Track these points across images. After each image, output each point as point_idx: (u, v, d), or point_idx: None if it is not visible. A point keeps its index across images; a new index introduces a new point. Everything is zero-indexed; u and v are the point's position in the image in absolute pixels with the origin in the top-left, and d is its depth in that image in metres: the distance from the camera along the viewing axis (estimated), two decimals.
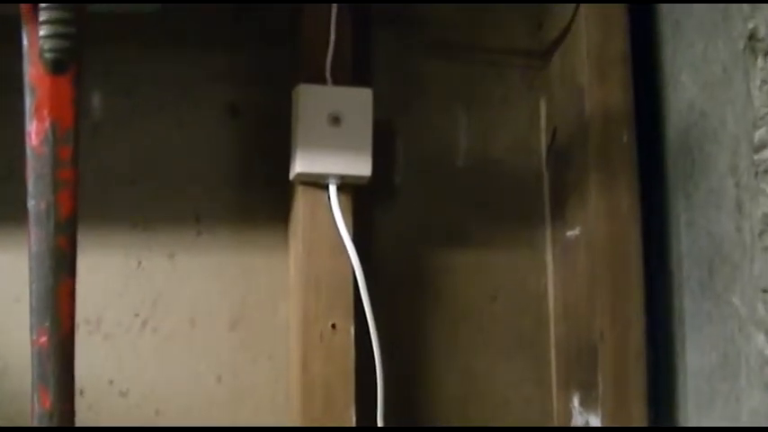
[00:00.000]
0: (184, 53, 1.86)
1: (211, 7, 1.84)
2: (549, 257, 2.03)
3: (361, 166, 1.80)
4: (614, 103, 1.90)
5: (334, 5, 1.80)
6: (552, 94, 2.06)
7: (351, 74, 1.84)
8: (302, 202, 1.80)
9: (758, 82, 1.64)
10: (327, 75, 1.84)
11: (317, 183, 1.79)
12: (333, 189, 1.79)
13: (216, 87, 1.91)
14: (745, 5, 1.64)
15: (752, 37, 1.65)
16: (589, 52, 1.94)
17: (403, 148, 2.02)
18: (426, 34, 2.04)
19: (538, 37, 2.11)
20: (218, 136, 1.91)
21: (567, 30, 1.98)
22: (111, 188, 1.83)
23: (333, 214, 1.79)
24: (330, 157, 1.76)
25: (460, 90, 2.07)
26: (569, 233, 1.97)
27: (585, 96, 1.91)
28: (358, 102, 1.84)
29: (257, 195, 1.89)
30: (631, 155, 1.91)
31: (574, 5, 1.91)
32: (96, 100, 1.82)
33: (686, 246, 1.83)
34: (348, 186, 1.80)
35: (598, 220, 1.89)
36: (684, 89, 1.86)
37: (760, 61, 1.64)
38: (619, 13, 1.94)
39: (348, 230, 1.75)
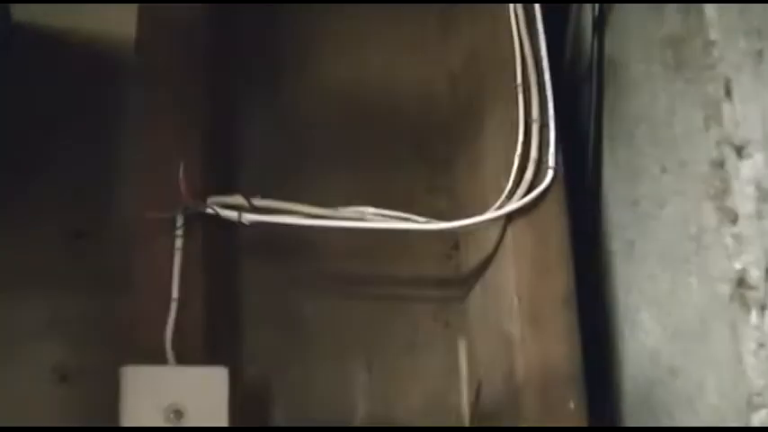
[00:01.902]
0: None
1: None
2: None
3: None
4: (555, 357, 1.64)
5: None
6: (473, 338, 1.84)
7: (202, 342, 1.59)
8: None
9: (752, 345, 1.38)
10: (168, 349, 1.55)
11: None
12: None
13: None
14: (729, 240, 1.37)
15: (741, 283, 1.37)
16: (519, 290, 1.69)
17: (283, 417, 1.76)
18: (312, 263, 1.84)
19: (453, 261, 1.91)
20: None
21: (490, 256, 1.76)
22: None
23: None
24: None
25: (358, 335, 1.84)
26: None
27: (516, 349, 1.66)
28: (210, 386, 1.51)
29: None
30: (581, 423, 1.59)
31: (502, 222, 1.70)
32: None
33: None
34: None
35: None
36: (645, 332, 1.60)
37: (754, 317, 1.38)
38: (557, 237, 1.71)
39: None
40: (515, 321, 1.66)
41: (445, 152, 1.96)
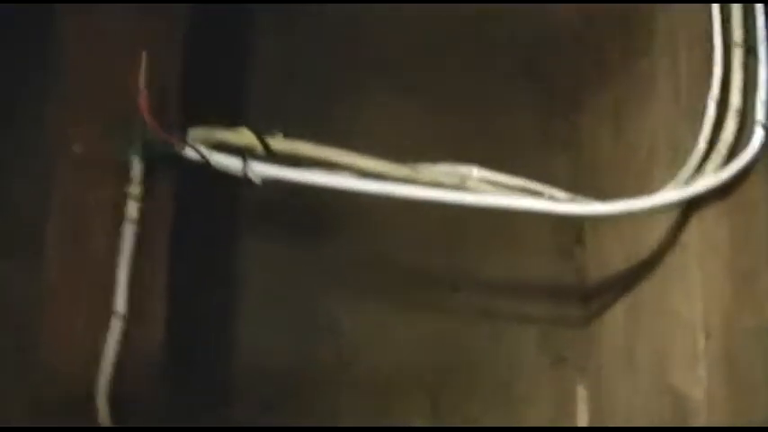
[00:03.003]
0: None
1: None
2: None
3: None
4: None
5: None
6: (604, 386, 1.54)
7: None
8: None
9: None
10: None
11: None
12: None
13: None
14: None
15: None
16: (707, 321, 1.32)
17: None
18: (355, 251, 1.50)
19: (574, 262, 1.57)
20: None
21: (650, 261, 1.42)
22: None
23: None
24: None
25: (419, 365, 1.49)
26: None
27: (695, 413, 1.31)
28: None
29: None
30: None
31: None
32: None
33: None
34: None
35: None
36: None
37: None
38: None
39: None
40: (697, 371, 1.34)
41: (570, 81, 1.60)
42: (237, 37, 1.60)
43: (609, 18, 1.62)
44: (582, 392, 1.57)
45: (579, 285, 1.63)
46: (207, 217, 1.38)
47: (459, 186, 1.26)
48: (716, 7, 1.37)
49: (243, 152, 1.21)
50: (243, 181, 1.24)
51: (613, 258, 1.57)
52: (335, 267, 1.54)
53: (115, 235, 1.23)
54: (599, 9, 1.62)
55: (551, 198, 1.29)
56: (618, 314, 1.57)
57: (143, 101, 1.15)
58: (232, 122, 1.34)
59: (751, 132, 1.36)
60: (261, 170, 1.21)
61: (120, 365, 1.21)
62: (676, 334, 1.39)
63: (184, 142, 1.19)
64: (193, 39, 1.37)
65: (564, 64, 1.67)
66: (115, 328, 1.19)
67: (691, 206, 1.35)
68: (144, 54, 1.17)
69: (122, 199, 1.21)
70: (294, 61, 1.60)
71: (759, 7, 1.39)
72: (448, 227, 1.57)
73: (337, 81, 1.59)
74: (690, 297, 1.36)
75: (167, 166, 1.22)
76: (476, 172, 1.26)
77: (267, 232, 1.51)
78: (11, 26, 1.51)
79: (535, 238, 1.61)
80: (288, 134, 1.31)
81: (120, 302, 1.18)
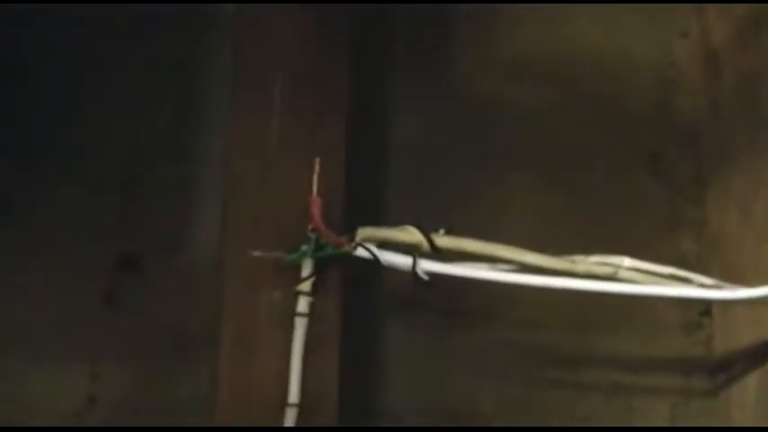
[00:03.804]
0: None
1: None
2: None
3: None
4: None
5: None
6: None
7: None
8: None
9: None
10: None
11: None
12: None
13: None
14: None
15: None
16: None
17: None
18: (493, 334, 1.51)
19: (703, 333, 1.58)
20: None
21: None
22: None
23: None
24: None
25: None
26: None
27: None
28: None
29: None
30: None
31: None
32: None
33: None
34: None
35: None
36: None
37: None
38: None
39: None
40: None
41: (694, 167, 1.61)
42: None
43: (733, 104, 1.60)
44: None
45: (707, 357, 1.59)
46: (366, 310, 1.40)
47: (613, 277, 1.25)
48: None
49: (413, 251, 1.20)
50: (412, 278, 1.21)
51: (743, 332, 1.51)
52: (479, 352, 1.52)
53: (288, 328, 1.22)
54: (725, 97, 1.60)
55: (701, 285, 1.27)
56: (751, 385, 1.50)
57: (315, 207, 1.17)
58: (376, 222, 1.31)
59: None
60: (428, 267, 1.20)
61: None
62: None
63: (356, 243, 1.19)
64: (349, 147, 1.36)
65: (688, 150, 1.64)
66: (290, 419, 1.20)
67: None
68: (317, 162, 1.19)
69: (294, 299, 1.21)
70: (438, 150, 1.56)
71: None
72: (579, 311, 1.52)
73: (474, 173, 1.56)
74: None
75: (336, 266, 1.22)
76: (627, 261, 1.25)
77: (409, 321, 1.49)
78: None
79: (663, 313, 1.57)
80: (450, 231, 1.26)
81: (294, 393, 1.20)
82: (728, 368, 1.52)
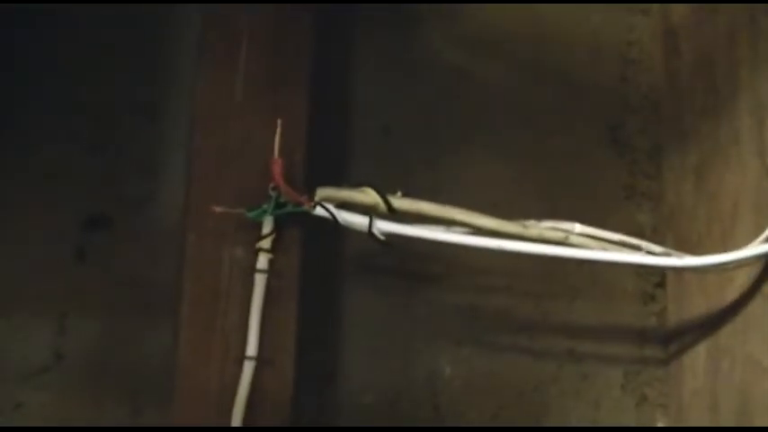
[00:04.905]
0: None
1: None
2: None
3: None
4: None
5: None
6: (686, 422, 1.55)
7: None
8: None
9: None
10: None
11: None
12: None
13: None
14: None
15: None
16: None
17: None
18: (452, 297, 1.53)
19: (656, 305, 1.61)
20: None
21: (733, 305, 1.41)
22: None
23: None
24: None
25: (514, 405, 1.55)
26: None
27: None
28: None
29: None
30: None
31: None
32: None
33: None
34: None
35: None
36: None
37: None
38: None
39: None
40: None
41: (652, 140, 1.63)
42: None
43: (690, 79, 1.61)
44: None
45: (661, 329, 1.59)
46: (324, 268, 1.42)
47: (564, 242, 1.28)
48: None
49: (370, 211, 1.23)
50: (367, 237, 1.24)
51: (694, 301, 1.52)
52: (432, 316, 1.52)
53: (249, 285, 1.24)
54: (682, 73, 1.61)
55: (649, 252, 1.30)
56: (700, 357, 1.52)
57: (276, 167, 1.19)
58: (336, 182, 1.34)
59: None
60: (384, 227, 1.23)
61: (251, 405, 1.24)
62: (757, 382, 1.39)
63: (315, 202, 1.22)
64: (312, 108, 1.38)
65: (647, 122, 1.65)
66: (248, 371, 1.24)
67: None
68: (279, 122, 1.21)
69: (254, 255, 1.24)
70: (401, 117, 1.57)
71: None
72: (536, 275, 1.52)
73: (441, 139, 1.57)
74: None
75: (296, 224, 1.25)
76: (578, 227, 1.28)
77: (368, 281, 1.50)
78: None
79: (618, 283, 1.58)
80: (407, 191, 1.29)
81: (252, 347, 1.23)
82: (681, 337, 1.54)
